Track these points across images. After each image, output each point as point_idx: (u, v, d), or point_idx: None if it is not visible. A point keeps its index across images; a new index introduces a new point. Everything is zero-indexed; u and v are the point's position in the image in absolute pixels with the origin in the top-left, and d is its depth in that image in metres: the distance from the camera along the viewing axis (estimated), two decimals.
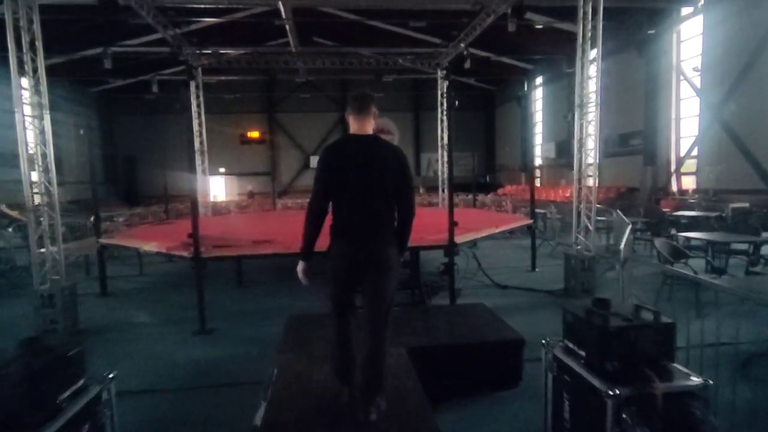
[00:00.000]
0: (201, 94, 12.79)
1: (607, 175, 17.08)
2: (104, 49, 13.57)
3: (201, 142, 12.81)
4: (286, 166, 28.67)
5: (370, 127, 2.64)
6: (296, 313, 4.25)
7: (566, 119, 21.48)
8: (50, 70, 18.42)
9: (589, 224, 6.12)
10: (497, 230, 6.48)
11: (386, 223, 2.57)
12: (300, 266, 2.64)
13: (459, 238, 5.40)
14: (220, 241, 5.33)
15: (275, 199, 17.10)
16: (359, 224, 2.51)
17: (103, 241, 6.68)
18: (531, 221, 7.73)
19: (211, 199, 25.74)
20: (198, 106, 12.72)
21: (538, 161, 23.52)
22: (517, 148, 25.79)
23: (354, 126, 2.63)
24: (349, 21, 17.01)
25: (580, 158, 6.12)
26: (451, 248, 5.20)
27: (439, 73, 13.07)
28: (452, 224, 5.18)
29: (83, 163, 21.44)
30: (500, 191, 23.13)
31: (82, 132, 18.09)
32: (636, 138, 15.87)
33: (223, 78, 20.41)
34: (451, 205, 5.20)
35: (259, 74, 24.29)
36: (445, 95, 12.77)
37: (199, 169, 12.73)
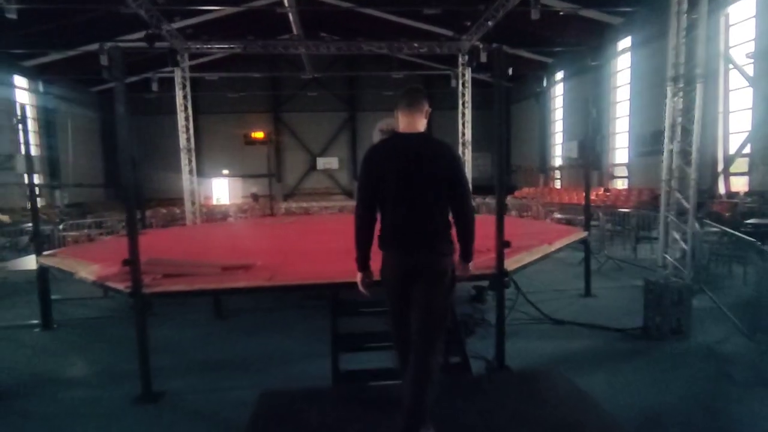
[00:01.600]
0: (188, 84, 11.31)
1: (639, 176, 16.08)
2: (100, 44, 12.87)
3: (188, 139, 11.32)
4: (292, 168, 27.45)
5: (421, 125, 2.48)
6: (272, 389, 2.72)
7: (592, 116, 20.09)
8: (48, 69, 17.57)
9: (683, 243, 4.48)
10: (552, 248, 4.86)
11: (437, 230, 2.40)
12: (358, 278, 2.58)
13: (509, 263, 3.82)
14: (174, 267, 3.78)
15: (273, 203, 15.60)
16: (408, 231, 2.38)
17: (42, 261, 5.20)
18: (585, 233, 6.06)
19: (214, 202, 24.61)
20: (184, 97, 11.24)
21: (558, 161, 22.25)
22: (535, 147, 24.32)
23: (403, 123, 2.48)
24: (359, 13, 15.81)
25: (671, 151, 4.51)
26: (500, 279, 3.62)
27: (460, 59, 11.53)
28: (502, 245, 3.61)
29: (83, 165, 20.21)
30: (516, 193, 21.83)
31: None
32: None
33: (225, 75, 19.25)
34: (501, 218, 3.62)
35: (263, 70, 23.14)
36: (465, 83, 11.21)
37: (186, 169, 11.28)
